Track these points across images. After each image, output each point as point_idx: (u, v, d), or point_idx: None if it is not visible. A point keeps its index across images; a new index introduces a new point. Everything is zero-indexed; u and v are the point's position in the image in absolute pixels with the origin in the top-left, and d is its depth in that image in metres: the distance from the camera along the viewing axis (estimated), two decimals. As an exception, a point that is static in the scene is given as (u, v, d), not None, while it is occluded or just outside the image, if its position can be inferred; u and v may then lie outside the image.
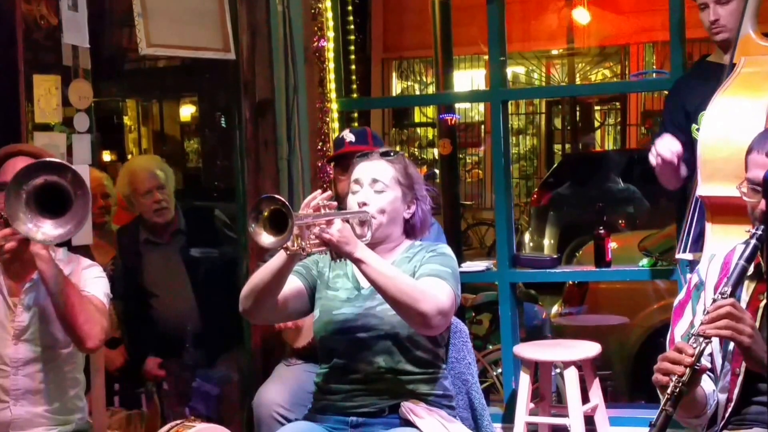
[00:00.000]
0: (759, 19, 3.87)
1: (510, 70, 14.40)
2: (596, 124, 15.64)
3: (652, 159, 3.85)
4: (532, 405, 4.44)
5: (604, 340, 4.70)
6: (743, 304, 2.65)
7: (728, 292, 2.55)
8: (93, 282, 3.32)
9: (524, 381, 4.39)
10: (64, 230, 2.94)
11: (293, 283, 3.15)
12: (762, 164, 2.68)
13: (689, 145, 4.00)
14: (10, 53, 3.96)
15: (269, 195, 2.84)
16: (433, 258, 3.15)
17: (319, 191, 3.00)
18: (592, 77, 14.60)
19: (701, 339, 2.50)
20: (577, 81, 14.22)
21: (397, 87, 15.03)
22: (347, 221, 3.00)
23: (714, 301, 2.55)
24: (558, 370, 4.72)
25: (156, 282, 4.99)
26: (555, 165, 13.41)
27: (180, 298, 5.00)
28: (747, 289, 2.71)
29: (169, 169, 5.06)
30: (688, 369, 2.47)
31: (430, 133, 15.28)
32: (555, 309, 6.93)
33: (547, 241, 11.08)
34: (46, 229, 2.93)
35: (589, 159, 13.05)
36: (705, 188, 3.55)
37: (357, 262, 2.95)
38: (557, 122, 15.94)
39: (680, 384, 2.47)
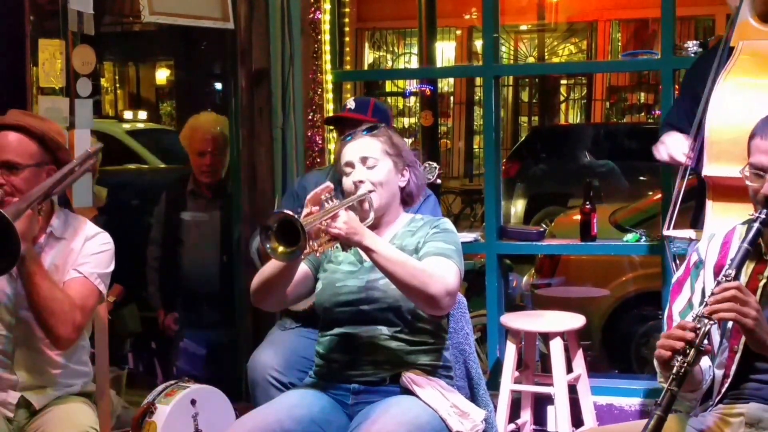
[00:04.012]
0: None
1: (478, 43, 14.49)
2: (561, 98, 15.78)
3: (662, 155, 3.93)
4: (516, 373, 4.55)
5: (575, 310, 4.81)
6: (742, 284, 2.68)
7: (732, 275, 2.60)
8: (90, 258, 3.25)
9: (510, 350, 4.48)
10: None
11: (300, 268, 3.19)
12: (765, 150, 2.73)
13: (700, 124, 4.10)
14: (17, 17, 3.99)
15: (277, 210, 2.93)
16: (437, 235, 3.21)
17: (320, 187, 3.06)
18: (560, 52, 14.71)
19: (706, 320, 2.54)
20: (546, 56, 14.32)
21: (369, 57, 15.04)
22: (350, 208, 3.07)
23: (719, 283, 2.60)
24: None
25: (186, 232, 5.19)
26: (523, 137, 13.52)
27: (200, 255, 5.20)
28: (746, 269, 2.75)
29: (226, 130, 5.22)
30: (693, 350, 2.51)
31: (401, 102, 15.35)
32: (525, 279, 7.03)
33: (514, 211, 11.20)
34: None
35: (558, 132, 13.18)
36: (710, 168, 3.61)
37: (366, 250, 3.02)
38: (524, 95, 16.06)
39: (685, 364, 2.50)
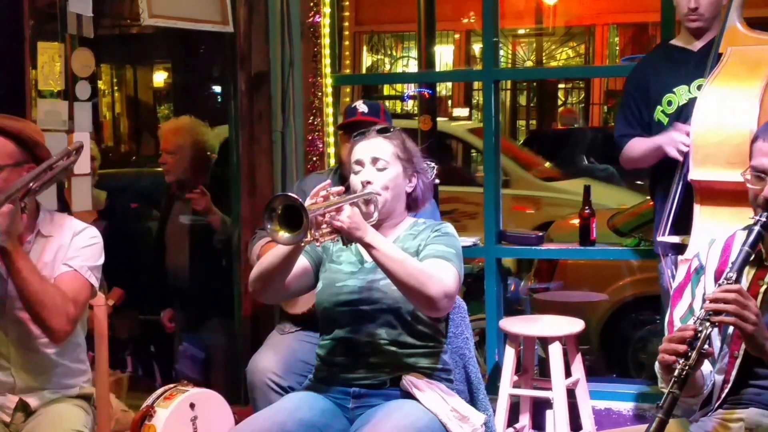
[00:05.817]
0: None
1: (476, 47, 14.51)
2: (559, 102, 15.79)
3: (676, 151, 3.86)
4: (515, 378, 4.55)
5: (573, 314, 4.81)
6: None
7: (734, 278, 2.60)
8: (79, 252, 3.26)
9: (509, 354, 4.49)
10: None
11: (300, 262, 3.19)
12: (766, 152, 2.73)
13: (649, 127, 4.10)
14: (16, 20, 3.98)
15: (282, 193, 2.92)
16: (438, 238, 3.21)
17: (328, 182, 3.05)
18: (558, 56, 14.72)
19: (707, 323, 2.54)
20: (544, 60, 14.33)
21: (366, 61, 15.05)
22: (355, 204, 3.06)
23: (719, 286, 2.60)
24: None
25: (169, 235, 5.24)
26: (521, 140, 13.53)
27: (178, 257, 5.21)
28: (747, 275, 2.75)
29: (200, 135, 5.27)
30: (694, 353, 2.51)
31: (399, 106, 15.35)
32: (523, 283, 7.02)
33: (512, 215, 11.17)
34: None
35: (556, 135, 13.17)
36: (697, 172, 3.65)
37: (367, 246, 3.01)
38: (522, 99, 16.07)
39: (687, 367, 2.50)
